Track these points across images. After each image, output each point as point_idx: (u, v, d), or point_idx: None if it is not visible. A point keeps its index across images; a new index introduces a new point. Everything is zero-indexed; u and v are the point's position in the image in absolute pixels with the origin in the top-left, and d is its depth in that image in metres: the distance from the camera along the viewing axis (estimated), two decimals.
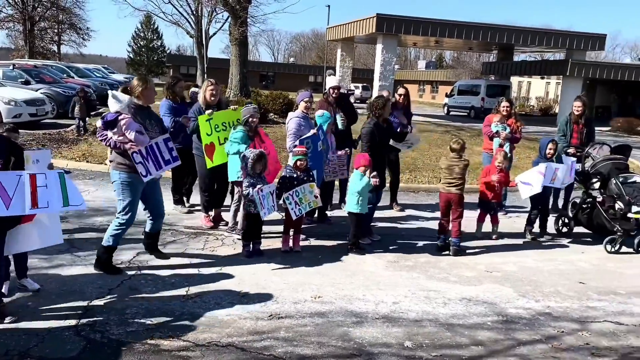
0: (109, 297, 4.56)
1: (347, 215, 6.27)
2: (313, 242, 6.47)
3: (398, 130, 7.52)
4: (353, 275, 5.46)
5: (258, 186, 5.52)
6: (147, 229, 5.46)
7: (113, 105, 4.80)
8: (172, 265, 5.35)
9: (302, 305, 4.66)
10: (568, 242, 7.16)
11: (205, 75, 34.63)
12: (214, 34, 35.59)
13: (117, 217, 5.06)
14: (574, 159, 7.33)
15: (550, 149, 7.02)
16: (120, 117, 4.75)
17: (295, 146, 6.30)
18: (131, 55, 65.72)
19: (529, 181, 6.79)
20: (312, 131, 6.55)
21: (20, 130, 5.05)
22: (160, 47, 66.77)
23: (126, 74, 45.69)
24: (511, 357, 4.00)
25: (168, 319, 4.24)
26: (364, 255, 6.04)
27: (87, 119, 13.75)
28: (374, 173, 6.06)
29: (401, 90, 8.32)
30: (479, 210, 7.16)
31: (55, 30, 45.06)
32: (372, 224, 6.90)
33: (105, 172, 9.38)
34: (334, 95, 7.36)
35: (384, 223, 7.46)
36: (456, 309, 4.79)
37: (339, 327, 4.29)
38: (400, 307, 4.76)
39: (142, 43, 65.80)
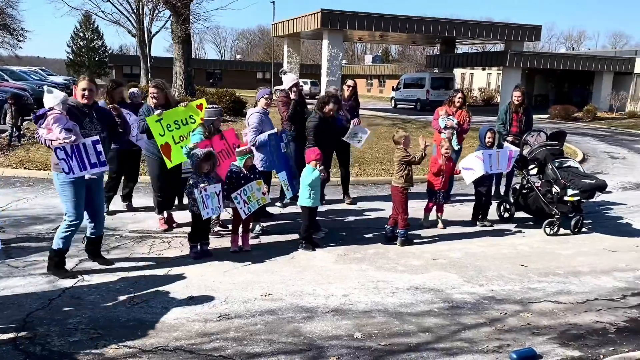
0: (49, 307, 4.39)
1: (296, 212, 6.27)
2: (263, 240, 6.44)
3: (342, 123, 7.60)
4: (303, 270, 5.48)
5: (201, 185, 5.44)
6: (87, 234, 5.33)
7: (48, 101, 4.76)
8: (117, 271, 5.21)
9: (252, 304, 4.63)
10: (510, 227, 7.43)
11: (149, 74, 33.83)
12: (157, 32, 34.82)
13: (64, 219, 4.99)
14: (516, 148, 7.59)
15: (489, 137, 7.28)
16: (49, 112, 4.70)
17: (256, 141, 6.39)
18: (71, 57, 63.34)
19: (471, 166, 7.04)
20: (275, 129, 6.59)
21: None
22: (102, 47, 64.65)
23: (66, 75, 44.02)
24: (457, 341, 4.12)
25: (113, 326, 4.12)
26: (314, 251, 6.06)
27: (23, 124, 13.07)
28: (322, 167, 6.11)
29: (350, 82, 8.42)
30: (427, 200, 7.32)
31: None
32: (323, 217, 6.95)
33: (45, 178, 9.04)
34: (293, 93, 7.46)
35: (334, 216, 7.53)
36: (404, 298, 4.88)
37: (289, 324, 4.30)
38: (349, 300, 4.81)
39: (82, 43, 63.50)
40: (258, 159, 6.54)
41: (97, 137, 4.94)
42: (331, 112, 6.63)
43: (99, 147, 4.92)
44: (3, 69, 25.75)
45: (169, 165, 6.10)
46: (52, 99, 4.75)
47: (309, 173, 6.03)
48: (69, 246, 5.11)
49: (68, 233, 5.00)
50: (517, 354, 3.84)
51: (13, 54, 46.25)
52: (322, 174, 6.07)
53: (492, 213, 7.68)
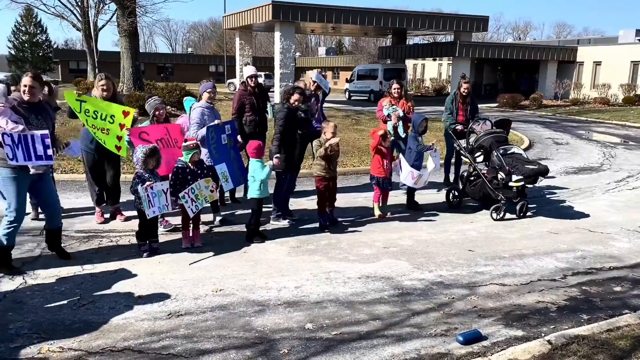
0: None
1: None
2: (215, 235, 6.38)
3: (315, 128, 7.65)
4: (256, 264, 5.46)
5: (147, 183, 5.34)
6: (45, 226, 5.38)
7: None
8: (62, 273, 5.05)
9: (203, 300, 4.59)
10: (459, 214, 7.62)
11: (97, 69, 32.77)
12: (103, 26, 33.90)
13: (5, 215, 4.95)
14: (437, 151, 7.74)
15: (422, 126, 7.47)
16: None
17: (197, 136, 6.33)
18: (12, 52, 60.52)
19: (403, 169, 7.25)
20: (217, 121, 6.54)
21: None
22: (46, 41, 61.96)
23: (7, 71, 42.11)
24: (406, 327, 4.21)
25: (57, 330, 4.00)
26: (265, 243, 6.06)
27: None
28: (277, 155, 6.30)
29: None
30: (374, 191, 7.41)
31: None
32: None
33: None
34: (252, 84, 7.49)
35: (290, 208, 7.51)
36: (355, 287, 4.94)
37: (240, 318, 4.28)
38: (302, 291, 4.83)
39: (24, 38, 60.71)
40: (204, 154, 6.48)
41: (47, 132, 4.89)
42: (296, 103, 6.66)
43: (47, 141, 4.87)
44: None
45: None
46: None
47: (259, 168, 6.02)
48: (13, 242, 5.08)
49: (11, 229, 4.97)
50: (463, 337, 3.96)
51: None
52: (276, 161, 6.17)
53: (440, 198, 7.85)
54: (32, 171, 4.92)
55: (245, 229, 6.30)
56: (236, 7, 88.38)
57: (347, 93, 36.76)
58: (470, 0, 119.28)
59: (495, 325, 4.26)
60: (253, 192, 6.08)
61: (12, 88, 6.02)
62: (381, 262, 5.62)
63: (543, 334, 4.10)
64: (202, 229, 6.32)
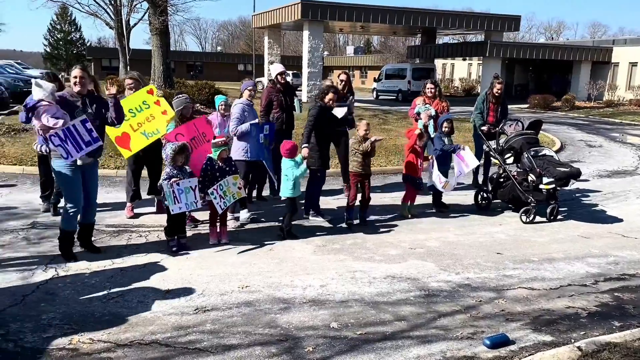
0: (23, 304, 4.34)
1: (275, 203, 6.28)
2: (241, 232, 6.43)
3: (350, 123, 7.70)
4: (281, 262, 5.49)
5: (173, 180, 5.41)
6: (79, 220, 5.47)
7: (36, 93, 4.87)
8: (93, 266, 5.16)
9: (229, 296, 4.63)
10: (487, 216, 7.51)
11: (128, 67, 33.37)
12: (135, 24, 34.25)
13: (65, 204, 5.28)
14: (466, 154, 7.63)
15: (445, 127, 7.38)
16: (38, 104, 4.83)
17: (238, 131, 6.47)
18: (48, 49, 62.09)
19: (434, 172, 7.18)
20: (257, 120, 6.64)
21: None
22: (80, 39, 63.39)
23: (43, 68, 43.20)
24: (432, 329, 4.17)
25: (88, 321, 4.09)
26: (292, 242, 6.08)
27: None
28: (305, 145, 6.35)
29: (342, 76, 8.39)
30: (405, 190, 7.35)
31: None
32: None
33: (20, 173, 8.93)
34: (281, 81, 7.58)
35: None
36: (381, 287, 4.92)
37: (266, 315, 4.30)
38: (327, 290, 4.83)
39: (59, 36, 62.24)
40: (240, 148, 6.58)
41: (84, 117, 5.03)
42: (331, 102, 6.72)
43: (89, 125, 5.02)
44: None
45: (127, 154, 6.23)
46: (41, 92, 4.86)
47: (293, 167, 6.06)
48: (75, 227, 5.38)
49: (72, 213, 5.26)
50: (490, 340, 3.90)
51: None
52: (305, 160, 6.20)
53: (468, 200, 7.76)
54: (79, 162, 5.14)
55: (270, 227, 6.32)
56: (265, 6, 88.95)
57: (374, 92, 36.61)
58: (502, 0, 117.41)
59: (523, 330, 4.19)
60: (287, 191, 6.13)
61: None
62: (407, 262, 5.58)
63: (573, 340, 4.01)
64: (231, 225, 6.37)
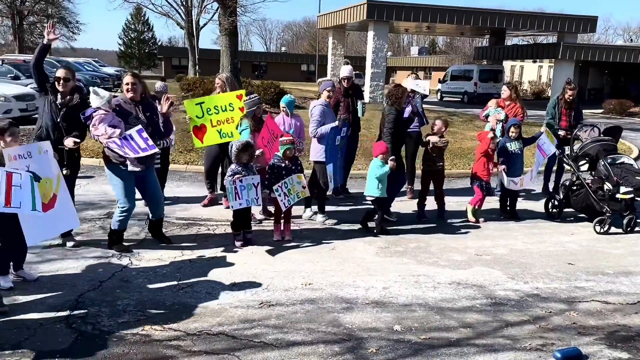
0: (100, 289, 4.58)
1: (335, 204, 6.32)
2: (304, 230, 6.50)
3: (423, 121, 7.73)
4: (343, 262, 5.50)
5: (236, 176, 5.55)
6: (149, 217, 5.80)
7: (94, 101, 5.04)
8: (164, 257, 5.38)
9: (293, 292, 4.70)
10: (558, 224, 7.21)
11: (197, 66, 34.50)
12: (204, 24, 35.43)
13: (117, 206, 5.44)
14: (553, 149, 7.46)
15: (512, 131, 7.20)
16: (95, 113, 5.00)
17: (316, 132, 6.61)
18: (122, 48, 65.11)
19: (505, 179, 7.10)
20: (337, 122, 6.71)
21: None
22: (152, 39, 66.10)
23: (117, 67, 45.39)
24: (499, 338, 4.06)
25: (159, 309, 4.27)
26: (354, 242, 6.09)
27: None
28: (392, 157, 6.38)
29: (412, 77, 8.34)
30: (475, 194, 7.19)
31: (45, 25, 44.67)
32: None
33: (97, 166, 9.40)
34: (345, 85, 7.65)
35: None
36: (445, 293, 4.83)
37: (329, 313, 4.33)
38: (390, 292, 4.80)
39: (132, 35, 65.15)
40: (321, 149, 6.68)
41: (140, 127, 5.17)
42: (402, 105, 6.84)
43: (144, 134, 5.15)
44: (59, 60, 26.78)
45: (198, 144, 6.40)
46: (98, 100, 5.02)
47: (378, 167, 6.20)
48: (125, 227, 5.55)
49: (122, 217, 5.44)
50: (561, 353, 3.74)
51: (69, 45, 48.43)
52: (391, 163, 6.27)
53: (537, 207, 7.48)
54: (130, 168, 5.24)
55: (330, 227, 6.36)
56: (331, 6, 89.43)
57: (438, 94, 35.97)
58: (577, 0, 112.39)
59: (597, 345, 4.00)
60: (375, 191, 6.27)
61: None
62: (473, 269, 5.45)
63: None
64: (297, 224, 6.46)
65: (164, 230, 5.97)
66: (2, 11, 40.05)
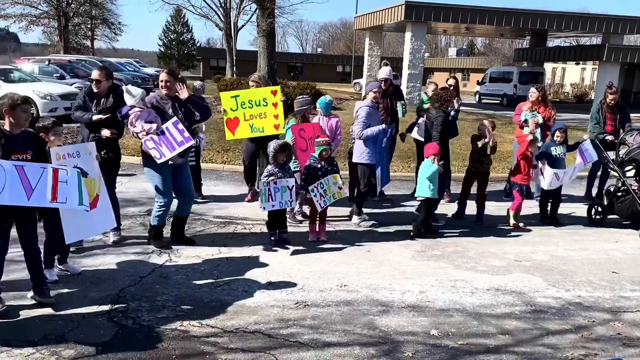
0: (140, 284, 4.69)
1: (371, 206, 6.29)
2: (339, 231, 6.49)
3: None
4: (379, 264, 5.47)
5: (271, 177, 5.57)
6: (175, 213, 5.77)
7: (128, 100, 5.17)
8: (202, 254, 5.46)
9: (328, 293, 4.69)
10: (601, 231, 7.00)
11: (235, 67, 34.92)
12: (242, 26, 36.02)
13: (156, 201, 5.55)
14: (591, 150, 7.28)
15: (557, 136, 7.01)
16: (130, 111, 5.12)
17: (362, 133, 6.57)
18: (162, 49, 66.49)
19: (546, 175, 6.92)
20: (383, 125, 6.70)
21: None
22: (190, 40, 67.32)
23: (157, 67, 46.40)
24: (539, 346, 3.96)
25: (197, 306, 4.34)
26: (390, 244, 6.05)
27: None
28: (442, 161, 6.38)
29: (451, 81, 8.25)
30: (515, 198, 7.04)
31: (89, 26, 46.15)
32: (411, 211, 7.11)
33: (137, 164, 9.60)
34: (383, 87, 7.61)
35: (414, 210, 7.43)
36: (484, 299, 4.75)
37: (364, 316, 4.31)
38: (426, 297, 4.74)
39: (172, 36, 66.47)
40: (366, 151, 6.63)
41: (175, 119, 5.25)
42: (448, 106, 6.85)
43: (180, 126, 5.24)
44: (102, 60, 27.57)
45: (229, 137, 6.61)
46: (131, 99, 5.15)
47: (429, 166, 6.19)
48: (163, 222, 5.63)
49: (161, 212, 5.54)
50: None
51: (111, 46, 49.86)
52: (440, 168, 6.27)
53: (579, 213, 7.26)
54: (170, 162, 5.33)
55: (365, 230, 6.34)
56: (368, 7, 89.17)
57: (477, 96, 35.39)
58: (622, 0, 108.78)
59: None
60: (427, 191, 6.25)
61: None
62: (512, 275, 5.33)
63: None
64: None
65: (202, 227, 6.05)
66: (49, 13, 41.50)
